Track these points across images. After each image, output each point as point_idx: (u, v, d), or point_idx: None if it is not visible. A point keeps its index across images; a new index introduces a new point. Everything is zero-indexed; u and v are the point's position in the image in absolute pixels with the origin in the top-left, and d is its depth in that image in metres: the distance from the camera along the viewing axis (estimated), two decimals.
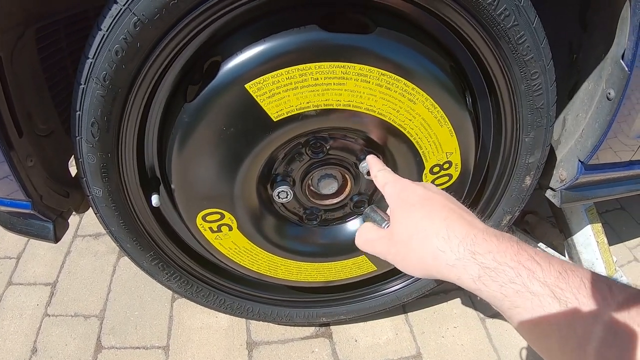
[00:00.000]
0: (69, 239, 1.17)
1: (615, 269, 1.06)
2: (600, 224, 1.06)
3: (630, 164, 0.95)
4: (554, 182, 0.91)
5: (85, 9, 0.79)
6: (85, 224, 1.22)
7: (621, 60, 0.72)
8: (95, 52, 0.54)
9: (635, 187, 1.03)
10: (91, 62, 0.55)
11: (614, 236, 1.25)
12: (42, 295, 1.04)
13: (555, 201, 0.91)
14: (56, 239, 0.77)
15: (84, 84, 0.57)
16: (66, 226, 0.79)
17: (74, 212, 0.81)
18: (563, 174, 0.89)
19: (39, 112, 0.71)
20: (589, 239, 1.04)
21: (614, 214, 1.32)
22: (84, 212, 0.81)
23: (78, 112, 0.60)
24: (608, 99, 0.77)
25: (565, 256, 1.10)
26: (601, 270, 1.04)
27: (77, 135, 0.62)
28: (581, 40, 0.83)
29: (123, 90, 0.57)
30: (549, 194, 0.92)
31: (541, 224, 1.18)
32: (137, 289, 1.06)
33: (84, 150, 0.63)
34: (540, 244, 1.11)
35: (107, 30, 0.53)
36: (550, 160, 0.89)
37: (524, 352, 1.00)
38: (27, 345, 0.96)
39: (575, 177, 0.87)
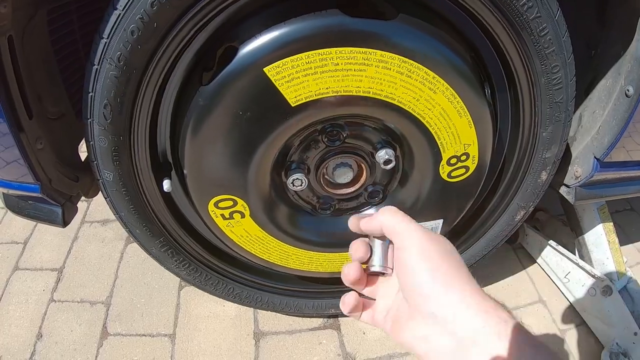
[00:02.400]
0: (77, 225, 1.16)
1: (626, 269, 1.04)
2: (612, 223, 1.04)
3: None
4: (568, 179, 0.89)
5: None
6: (93, 210, 1.21)
7: None
8: (110, 32, 0.53)
9: None
10: (105, 42, 0.53)
11: (624, 237, 1.23)
12: (49, 281, 1.04)
13: (569, 198, 0.90)
14: (65, 223, 0.75)
15: (98, 65, 0.55)
16: (75, 210, 0.78)
17: (83, 197, 0.79)
18: (578, 170, 0.88)
19: (50, 95, 0.70)
20: (600, 238, 1.03)
21: (624, 214, 1.30)
22: (93, 196, 0.80)
23: (90, 94, 0.58)
24: (627, 95, 0.76)
25: (575, 254, 1.08)
26: (611, 269, 1.02)
27: (89, 117, 0.60)
28: (599, 35, 0.81)
29: (138, 72, 0.56)
30: (563, 190, 0.91)
31: (552, 221, 1.17)
32: (144, 276, 1.04)
33: (96, 133, 0.61)
34: (551, 242, 1.09)
35: (123, 10, 0.51)
36: (565, 157, 0.88)
37: None
38: (33, 330, 0.95)
39: (591, 174, 0.85)
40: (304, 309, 0.91)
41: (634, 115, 0.76)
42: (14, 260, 1.09)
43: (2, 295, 1.01)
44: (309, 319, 0.98)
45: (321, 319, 0.98)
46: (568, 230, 1.11)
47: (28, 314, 0.98)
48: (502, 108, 0.73)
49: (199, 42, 0.58)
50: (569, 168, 0.89)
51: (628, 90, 0.75)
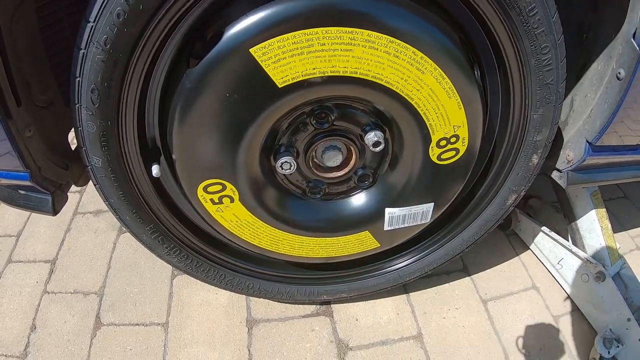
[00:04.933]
0: (69, 216, 1.16)
1: (619, 255, 1.05)
2: (604, 209, 1.05)
3: (639, 147, 0.94)
4: (560, 163, 0.90)
5: None
6: (86, 201, 1.21)
7: (632, 40, 0.71)
8: (97, 15, 0.53)
9: None
10: (92, 26, 0.54)
11: (617, 224, 1.24)
12: (42, 273, 1.04)
13: (561, 182, 0.90)
14: (55, 212, 0.76)
15: (85, 49, 0.55)
16: (65, 199, 0.78)
17: (75, 187, 0.80)
18: (570, 154, 0.88)
19: (39, 82, 0.70)
20: (593, 224, 1.03)
21: (617, 202, 1.31)
22: (83, 185, 0.80)
23: (78, 78, 0.58)
24: (618, 78, 0.76)
25: (568, 240, 1.09)
26: (604, 255, 1.03)
27: (76, 102, 0.60)
28: (591, 19, 0.81)
29: (124, 55, 0.56)
30: (555, 175, 0.91)
31: (545, 208, 1.17)
32: (137, 265, 1.05)
33: (84, 118, 0.61)
34: (544, 228, 1.10)
35: None
36: (558, 141, 0.88)
37: (526, 335, 0.99)
38: (27, 322, 0.95)
39: (583, 159, 0.86)
40: (296, 296, 0.91)
41: (625, 98, 0.76)
42: (7, 253, 1.09)
43: None
44: (301, 306, 0.98)
45: (314, 306, 0.98)
46: (561, 216, 1.12)
47: (22, 306, 0.98)
48: (492, 90, 0.73)
49: (187, 24, 0.58)
50: (561, 152, 0.89)
51: (619, 73, 0.75)
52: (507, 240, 1.18)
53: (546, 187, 1.14)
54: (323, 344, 0.92)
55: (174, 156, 0.66)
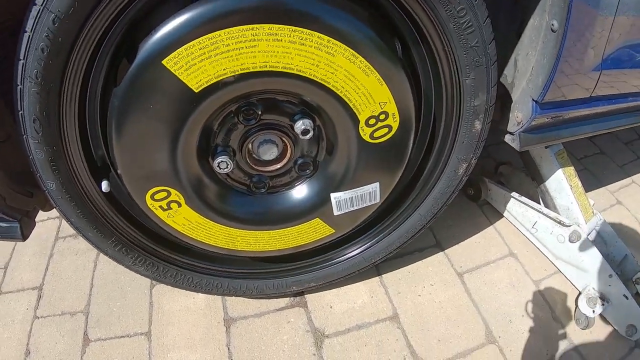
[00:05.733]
0: (52, 242, 1.26)
1: (593, 212, 1.06)
2: (572, 167, 1.07)
3: (592, 100, 0.96)
4: (511, 126, 0.93)
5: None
6: (65, 226, 1.30)
7: None
8: (25, 52, 0.60)
9: (602, 125, 1.03)
10: (23, 63, 0.61)
11: (595, 181, 1.25)
12: (31, 300, 1.13)
13: (515, 145, 0.94)
14: (24, 237, 0.84)
15: (21, 84, 0.63)
16: (33, 224, 0.86)
17: (53, 211, 0.87)
18: (519, 115, 0.91)
19: None
20: (561, 184, 1.06)
21: (594, 158, 1.32)
22: (50, 210, 0.88)
23: (20, 112, 0.66)
24: (552, 30, 0.78)
25: (540, 203, 1.11)
26: (577, 214, 1.04)
27: (23, 133, 0.68)
28: None
29: (55, 85, 0.63)
30: (507, 138, 0.94)
31: (516, 174, 1.20)
32: (118, 280, 1.13)
33: (32, 147, 0.69)
34: (513, 194, 1.12)
35: (31, 31, 0.58)
36: (507, 104, 0.91)
37: (506, 303, 1.02)
38: (21, 348, 1.04)
39: (531, 118, 0.89)
40: (266, 290, 0.97)
41: (563, 50, 0.79)
42: None
43: None
44: (275, 300, 1.04)
45: (287, 299, 1.04)
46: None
47: (15, 334, 1.07)
48: (420, 61, 0.76)
49: (108, 47, 0.64)
50: (510, 115, 0.92)
51: (553, 24, 0.78)
52: (480, 211, 1.21)
53: (516, 153, 1.16)
54: (299, 335, 0.97)
55: (119, 171, 0.73)
